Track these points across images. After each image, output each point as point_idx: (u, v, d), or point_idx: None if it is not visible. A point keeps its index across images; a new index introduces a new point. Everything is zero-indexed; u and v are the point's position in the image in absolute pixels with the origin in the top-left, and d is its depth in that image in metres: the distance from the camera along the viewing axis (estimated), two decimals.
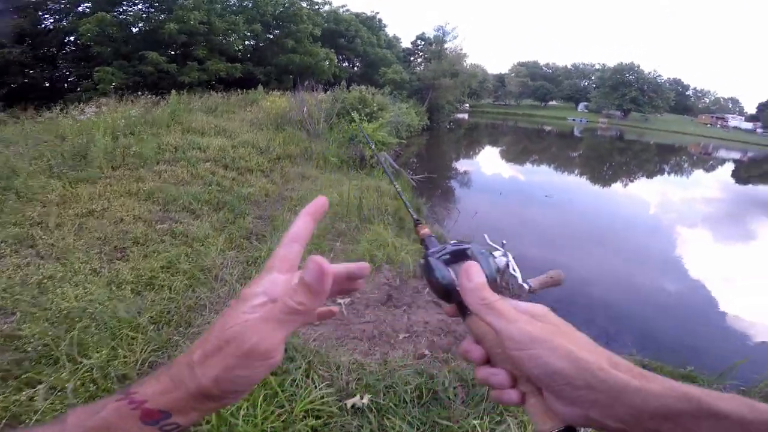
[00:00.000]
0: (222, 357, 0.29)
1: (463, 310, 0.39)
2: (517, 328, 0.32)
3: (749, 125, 54.35)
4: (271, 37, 19.69)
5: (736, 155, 29.35)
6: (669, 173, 17.53)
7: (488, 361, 0.37)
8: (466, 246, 0.43)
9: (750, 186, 17.15)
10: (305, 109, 9.45)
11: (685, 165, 21.49)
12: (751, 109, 63.66)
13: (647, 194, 11.84)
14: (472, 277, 0.36)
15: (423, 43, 31.79)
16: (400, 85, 22.63)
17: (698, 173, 18.89)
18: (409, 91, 23.15)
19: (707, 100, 69.68)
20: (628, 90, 46.47)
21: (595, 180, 13.54)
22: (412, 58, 31.85)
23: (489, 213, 7.36)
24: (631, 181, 14.15)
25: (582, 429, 0.32)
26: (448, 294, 0.40)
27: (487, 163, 15.20)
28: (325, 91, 12.95)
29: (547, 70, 59.94)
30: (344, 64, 26.82)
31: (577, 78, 58.66)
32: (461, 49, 25.86)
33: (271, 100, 11.65)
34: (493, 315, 0.34)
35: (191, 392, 0.29)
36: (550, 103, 57.94)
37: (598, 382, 0.29)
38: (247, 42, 19.35)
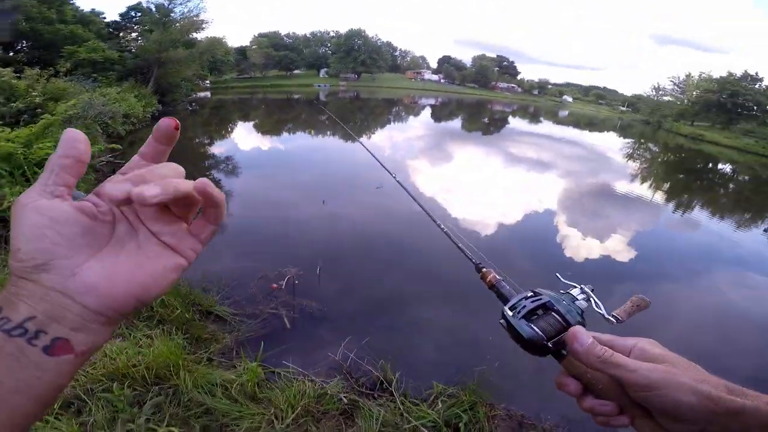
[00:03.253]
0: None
1: (556, 356, 0.43)
2: (640, 375, 0.38)
3: (435, 77, 76.17)
4: None
5: (432, 101, 41.12)
6: (394, 122, 22.19)
7: (584, 391, 0.42)
8: (546, 300, 0.45)
9: (441, 122, 24.73)
10: None
11: (403, 113, 27.84)
12: (434, 64, 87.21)
13: (381, 140, 14.38)
14: (582, 342, 0.41)
15: (139, 14, 24.89)
16: (104, 65, 17.30)
17: (411, 118, 25.10)
18: (121, 71, 18.02)
19: (408, 59, 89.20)
20: (358, 54, 53.35)
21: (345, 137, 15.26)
22: (121, 34, 24.92)
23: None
24: (373, 133, 16.74)
25: None
26: (540, 350, 0.42)
27: (250, 140, 14.33)
28: None
29: (288, 39, 60.71)
30: None
31: (316, 46, 62.21)
32: (196, 15, 21.66)
33: None
34: (614, 368, 0.39)
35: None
36: (295, 72, 59.83)
37: (720, 409, 0.36)
38: None
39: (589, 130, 30.85)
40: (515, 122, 30.74)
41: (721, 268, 5.39)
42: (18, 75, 7.73)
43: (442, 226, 0.77)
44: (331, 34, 62.87)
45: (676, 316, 3.69)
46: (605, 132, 32.49)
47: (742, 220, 9.19)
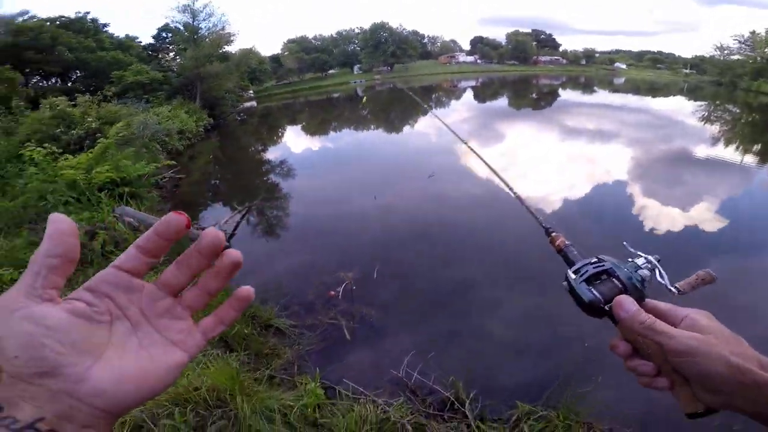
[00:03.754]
0: None
1: (612, 319, 0.44)
2: (677, 342, 0.39)
3: (471, 58, 72.94)
4: None
5: (472, 83, 39.35)
6: (437, 107, 21.43)
7: (634, 353, 0.44)
8: (608, 267, 0.46)
9: (486, 102, 23.54)
10: None
11: (444, 98, 26.84)
12: (466, 46, 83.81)
13: (424, 127, 13.82)
14: (627, 309, 0.42)
15: (170, 35, 26.66)
16: (151, 86, 18.50)
17: (453, 102, 24.06)
18: (168, 91, 19.19)
19: (439, 44, 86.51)
20: (386, 46, 52.98)
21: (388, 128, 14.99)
22: (159, 55, 26.76)
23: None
24: (416, 122, 16.26)
25: None
26: (596, 311, 0.45)
27: (300, 143, 14.62)
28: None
29: (316, 42, 61.82)
30: (44, 83, 20.57)
31: (344, 44, 62.70)
32: (222, 29, 22.80)
33: None
34: (655, 334, 0.41)
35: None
36: (330, 72, 60.67)
37: (748, 381, 0.37)
38: None
39: (653, 96, 27.70)
40: (567, 94, 28.50)
41: None
42: (73, 103, 8.24)
43: (515, 191, 0.74)
44: (357, 30, 62.69)
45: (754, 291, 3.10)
46: (671, 96, 29.09)
47: None
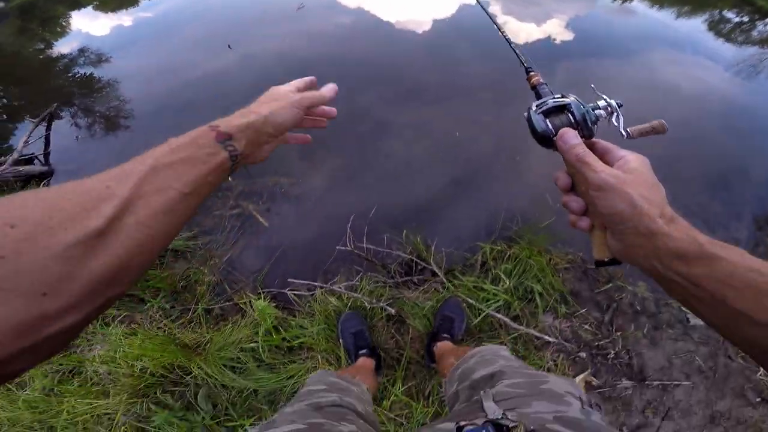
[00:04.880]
0: (273, 103, 0.49)
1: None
2: (599, 177, 0.41)
3: None
4: None
5: None
6: None
7: (572, 191, 0.47)
8: (568, 102, 0.47)
9: None
10: None
11: None
12: None
13: None
14: (566, 140, 0.45)
15: None
16: None
17: None
18: None
19: None
20: None
21: None
22: None
23: None
24: None
25: None
26: (546, 142, 0.48)
27: (104, 23, 9.74)
28: None
29: None
30: None
31: None
32: None
33: None
34: (584, 167, 0.42)
35: (248, 123, 0.44)
36: None
37: (642, 227, 0.38)
38: None
39: None
40: None
41: (656, 47, 4.64)
42: None
43: (503, 31, 0.64)
44: None
45: (614, 88, 3.29)
46: None
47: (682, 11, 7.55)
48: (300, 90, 0.53)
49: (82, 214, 0.26)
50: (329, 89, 0.56)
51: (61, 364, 1.61)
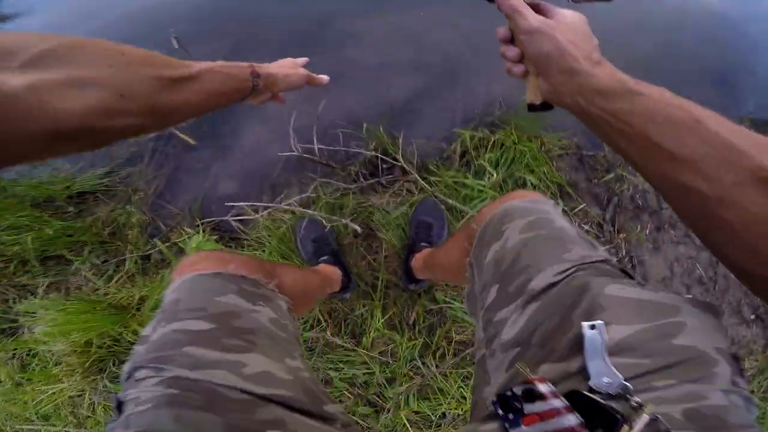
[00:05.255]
0: (290, 70, 0.69)
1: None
2: (528, 23, 0.43)
3: None
4: None
5: None
6: None
7: (511, 42, 0.48)
8: None
9: None
10: None
11: None
12: None
13: None
14: None
15: None
16: None
17: None
18: None
19: None
20: None
21: None
22: None
23: None
24: None
25: None
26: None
27: None
28: None
29: None
30: None
31: None
32: None
33: None
34: (516, 15, 0.44)
35: (271, 74, 0.63)
36: None
37: (566, 66, 0.40)
38: None
39: None
40: None
41: None
42: None
43: None
44: None
45: None
46: None
47: None
48: (301, 66, 0.73)
49: (174, 65, 0.43)
50: (323, 79, 0.78)
51: (15, 349, 1.41)
